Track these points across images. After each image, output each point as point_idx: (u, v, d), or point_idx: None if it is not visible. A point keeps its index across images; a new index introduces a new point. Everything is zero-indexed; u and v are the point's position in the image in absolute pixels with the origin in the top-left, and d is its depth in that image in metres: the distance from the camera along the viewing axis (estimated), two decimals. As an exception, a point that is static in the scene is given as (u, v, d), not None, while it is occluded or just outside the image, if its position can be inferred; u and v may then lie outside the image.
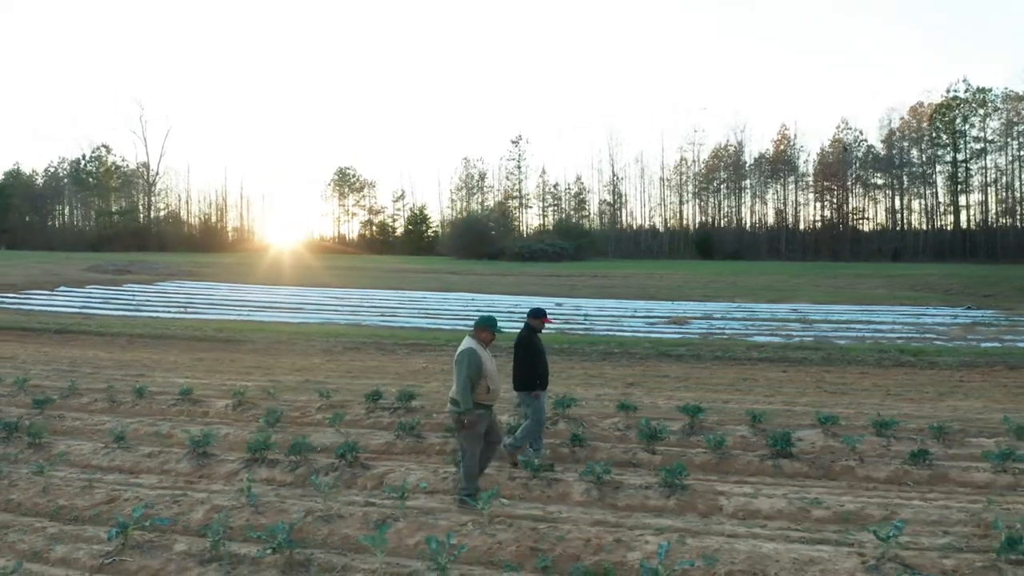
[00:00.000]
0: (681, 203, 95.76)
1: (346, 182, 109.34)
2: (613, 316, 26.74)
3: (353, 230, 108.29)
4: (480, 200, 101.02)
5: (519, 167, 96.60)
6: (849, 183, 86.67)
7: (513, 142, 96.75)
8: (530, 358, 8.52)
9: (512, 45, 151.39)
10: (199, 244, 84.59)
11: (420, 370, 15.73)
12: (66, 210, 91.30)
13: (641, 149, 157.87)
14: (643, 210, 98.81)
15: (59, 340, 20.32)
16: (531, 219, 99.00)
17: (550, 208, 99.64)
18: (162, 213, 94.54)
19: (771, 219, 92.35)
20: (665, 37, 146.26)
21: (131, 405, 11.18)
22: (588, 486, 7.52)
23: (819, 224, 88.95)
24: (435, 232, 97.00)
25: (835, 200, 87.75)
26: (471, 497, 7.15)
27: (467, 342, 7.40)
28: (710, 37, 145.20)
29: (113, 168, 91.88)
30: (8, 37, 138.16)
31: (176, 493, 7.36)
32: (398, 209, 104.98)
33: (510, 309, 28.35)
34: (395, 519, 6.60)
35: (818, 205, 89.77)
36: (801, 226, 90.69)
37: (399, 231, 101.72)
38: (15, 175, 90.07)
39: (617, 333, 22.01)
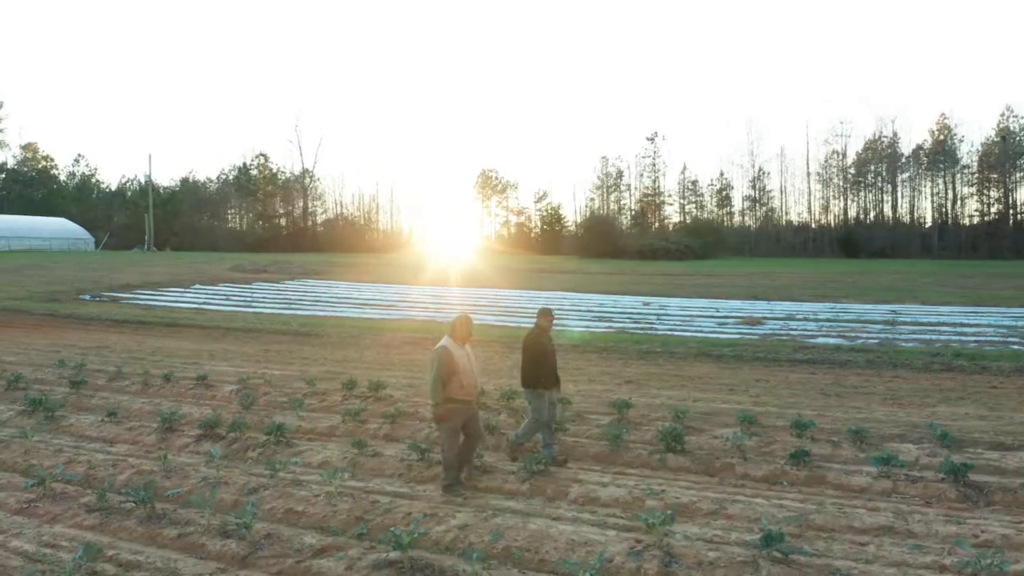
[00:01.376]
0: (828, 198, 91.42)
1: (489, 184, 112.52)
2: (690, 316, 26.54)
3: (497, 231, 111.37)
4: (617, 198, 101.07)
5: (654, 164, 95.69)
6: (1016, 175, 79.36)
7: (649, 139, 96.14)
8: (535, 357, 8.65)
9: (649, 40, 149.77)
10: (348, 245, 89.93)
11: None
12: (230, 214, 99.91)
13: (783, 143, 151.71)
14: (787, 206, 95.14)
15: (162, 332, 22.94)
16: (672, 216, 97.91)
17: (691, 205, 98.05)
18: (318, 217, 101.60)
19: (927, 215, 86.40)
20: (805, 25, 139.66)
21: (158, 388, 12.86)
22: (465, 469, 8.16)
23: (978, 220, 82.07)
24: (570, 231, 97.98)
25: (998, 194, 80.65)
26: (452, 487, 7.60)
27: (443, 340, 7.82)
28: (855, 24, 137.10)
29: (271, 175, 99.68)
30: (186, 58, 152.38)
31: (121, 459, 8.71)
32: (539, 209, 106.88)
33: (583, 307, 28.80)
34: (265, 488, 7.58)
35: (979, 200, 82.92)
36: (963, 222, 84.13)
37: (536, 231, 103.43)
38: (186, 183, 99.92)
39: (675, 333, 21.98)
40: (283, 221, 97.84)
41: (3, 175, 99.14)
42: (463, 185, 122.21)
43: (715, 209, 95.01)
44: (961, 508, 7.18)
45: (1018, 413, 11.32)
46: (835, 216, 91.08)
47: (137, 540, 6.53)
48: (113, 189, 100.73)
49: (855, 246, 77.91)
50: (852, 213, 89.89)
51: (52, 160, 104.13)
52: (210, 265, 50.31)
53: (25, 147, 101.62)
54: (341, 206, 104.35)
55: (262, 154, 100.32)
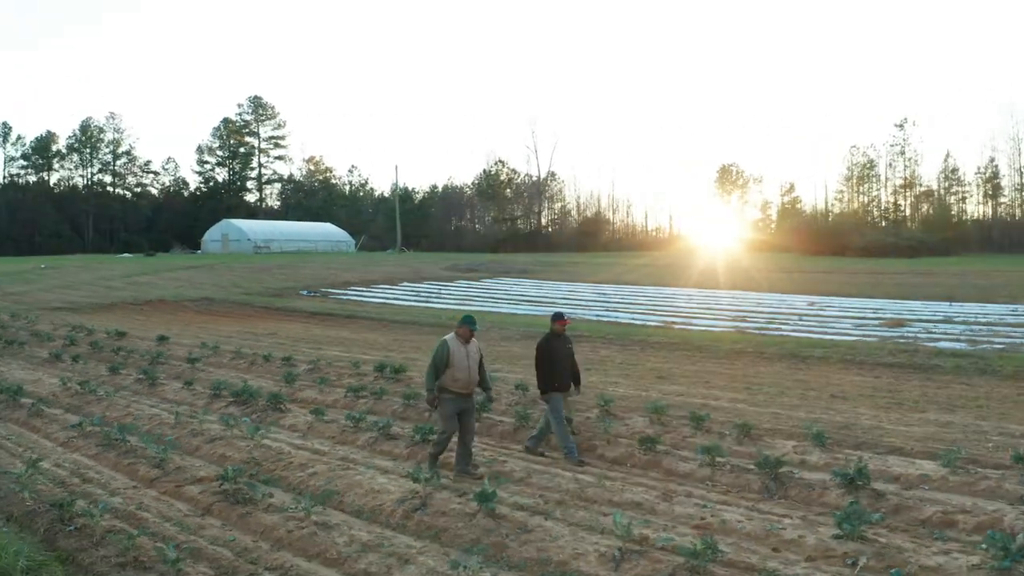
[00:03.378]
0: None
1: (729, 178, 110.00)
2: (837, 317, 25.46)
3: (736, 227, 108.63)
4: (867, 189, 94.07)
5: (902, 152, 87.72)
6: None
7: (897, 126, 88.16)
8: (546, 362, 9.04)
9: (892, 23, 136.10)
10: (582, 244, 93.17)
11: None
12: (477, 217, 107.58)
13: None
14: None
15: (336, 322, 26.88)
16: (923, 208, 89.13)
17: (952, 196, 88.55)
18: (554, 217, 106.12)
19: None
20: None
21: (250, 365, 16.07)
22: (373, 435, 9.95)
23: None
24: (810, 226, 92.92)
25: None
26: (435, 457, 8.50)
27: (448, 335, 8.57)
28: None
29: (509, 179, 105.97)
30: (431, 74, 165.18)
31: (157, 414, 11.57)
32: (785, 203, 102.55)
33: (732, 307, 28.59)
34: (221, 439, 9.96)
35: None
36: None
37: (775, 226, 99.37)
38: (434, 189, 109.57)
39: (790, 334, 21.55)
40: (520, 222, 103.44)
41: (291, 185, 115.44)
42: (702, 181, 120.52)
43: (983, 200, 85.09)
44: (750, 497, 7.67)
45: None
46: None
47: (106, 464, 9.19)
48: (376, 196, 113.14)
49: None
50: None
51: (332, 171, 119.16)
52: (429, 265, 55.50)
53: (308, 160, 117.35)
54: (577, 206, 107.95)
55: (500, 160, 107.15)
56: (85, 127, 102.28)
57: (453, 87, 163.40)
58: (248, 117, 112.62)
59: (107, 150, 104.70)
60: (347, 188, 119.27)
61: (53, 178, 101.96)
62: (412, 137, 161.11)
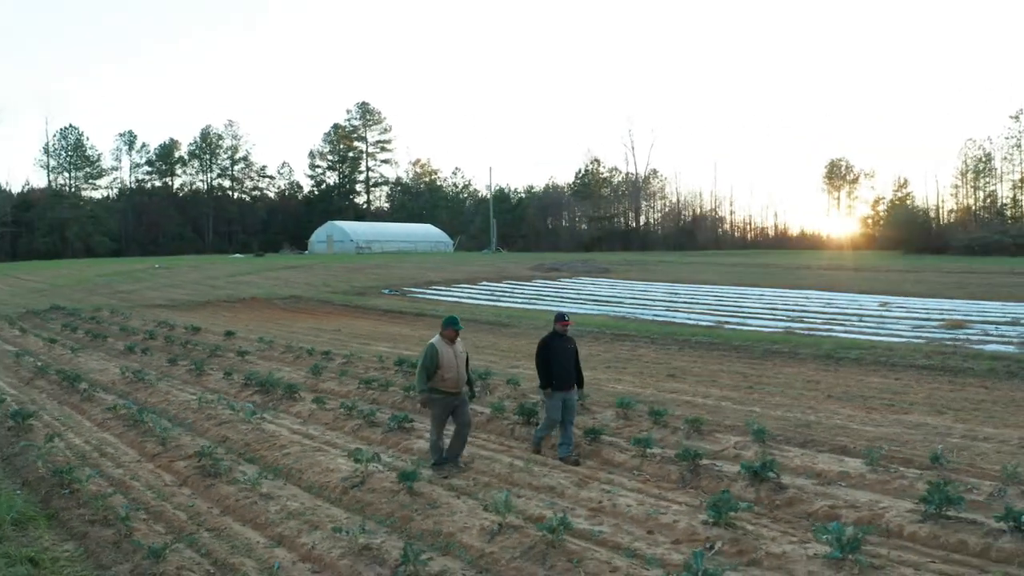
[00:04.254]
0: None
1: (838, 173, 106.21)
2: (898, 318, 24.71)
3: (843, 224, 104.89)
4: (983, 184, 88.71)
5: (1018, 145, 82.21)
6: None
7: (1012, 117, 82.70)
8: (545, 360, 9.30)
9: (1008, 11, 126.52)
10: (677, 243, 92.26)
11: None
12: (568, 216, 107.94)
13: None
14: None
15: (404, 320, 28.25)
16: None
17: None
18: (652, 215, 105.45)
19: None
20: None
21: (295, 359, 17.41)
22: (359, 422, 10.94)
23: None
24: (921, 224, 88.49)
25: None
26: (437, 464, 8.68)
27: (434, 338, 8.89)
28: None
29: (604, 178, 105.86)
30: (533, 74, 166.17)
31: (187, 399, 12.96)
32: (896, 199, 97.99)
33: (792, 306, 28.13)
34: (229, 423, 11.19)
35: None
36: None
37: (882, 223, 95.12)
38: (530, 190, 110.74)
39: (839, 335, 21.17)
40: (616, 221, 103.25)
41: (398, 188, 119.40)
42: (809, 176, 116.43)
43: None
44: (664, 486, 8.17)
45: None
46: None
47: (125, 441, 10.58)
48: (478, 197, 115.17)
49: None
50: None
51: (436, 173, 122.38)
52: (515, 264, 56.56)
53: (414, 163, 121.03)
54: (677, 204, 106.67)
55: (596, 159, 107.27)
56: (205, 134, 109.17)
57: (551, 87, 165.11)
58: (356, 123, 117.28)
59: (225, 156, 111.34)
60: (451, 190, 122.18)
61: (176, 183, 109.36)
62: (511, 138, 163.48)
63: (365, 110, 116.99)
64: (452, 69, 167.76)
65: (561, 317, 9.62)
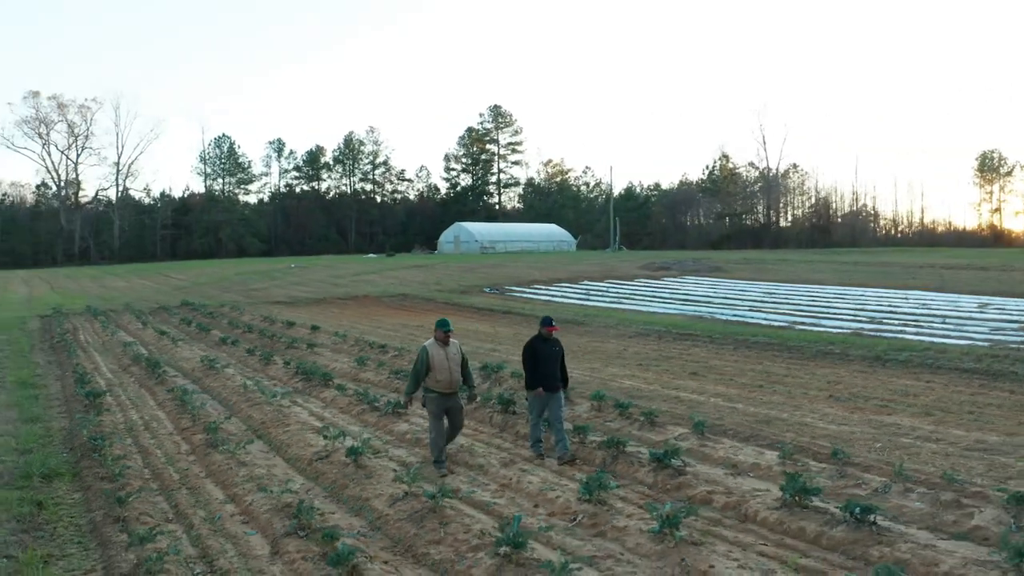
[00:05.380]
0: None
1: (990, 167, 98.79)
2: (986, 320, 23.51)
3: (996, 219, 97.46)
4: None
5: None
6: None
7: None
8: (531, 362, 9.55)
9: None
10: (811, 240, 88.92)
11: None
12: (696, 213, 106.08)
13: None
14: None
15: (490, 317, 29.59)
16: None
17: None
18: (786, 212, 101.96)
19: None
20: None
21: (350, 350, 19.11)
22: (364, 407, 12.32)
23: None
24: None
25: None
26: (437, 463, 9.07)
27: (428, 341, 9.30)
28: None
29: (732, 174, 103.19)
30: (661, 71, 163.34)
31: (241, 384, 14.82)
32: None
33: (876, 306, 27.21)
34: (258, 405, 12.88)
35: None
36: None
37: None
38: (657, 187, 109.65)
39: (906, 336, 20.58)
40: (747, 218, 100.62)
41: (531, 189, 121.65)
42: (959, 171, 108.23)
43: None
44: (585, 469, 9.00)
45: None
46: None
47: (169, 416, 12.49)
48: (606, 196, 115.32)
49: None
50: None
51: (567, 173, 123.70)
52: (626, 263, 56.81)
53: (546, 163, 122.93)
54: (816, 199, 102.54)
55: (724, 155, 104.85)
56: (348, 140, 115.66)
57: (678, 83, 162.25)
58: (489, 125, 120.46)
59: (367, 161, 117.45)
60: (583, 189, 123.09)
61: (322, 187, 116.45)
62: (639, 135, 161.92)
63: (497, 113, 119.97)
64: (581, 68, 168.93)
65: (548, 322, 9.81)
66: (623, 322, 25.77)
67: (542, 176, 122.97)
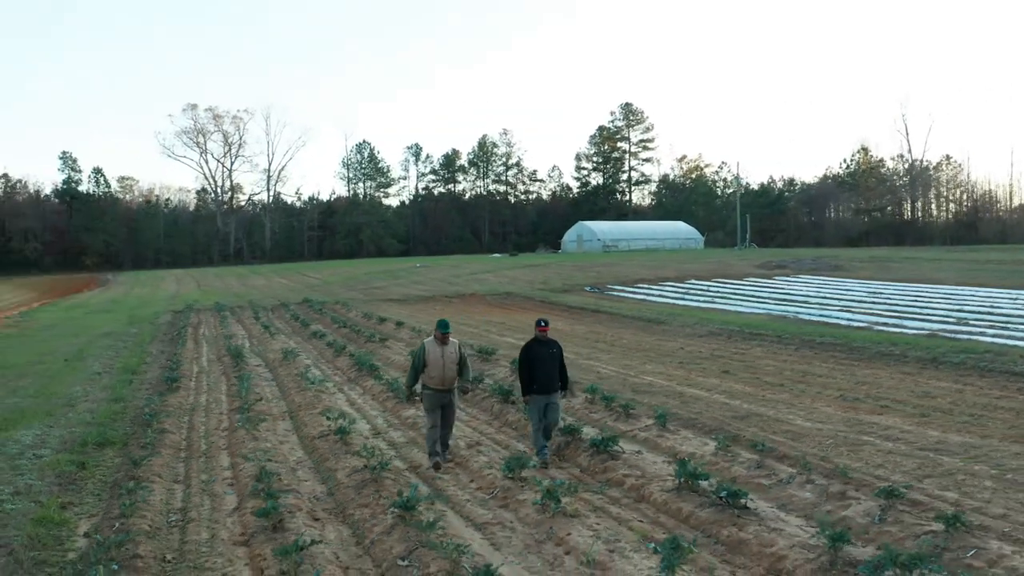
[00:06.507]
0: None
1: None
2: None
3: None
4: None
5: None
6: None
7: None
8: (525, 366, 9.58)
9: None
10: (956, 237, 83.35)
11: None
12: (833, 209, 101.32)
13: None
14: None
15: (578, 316, 30.46)
16: None
17: None
18: (935, 207, 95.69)
19: None
20: None
21: (409, 343, 20.64)
22: (384, 391, 13.74)
23: None
24: None
25: None
26: (430, 454, 9.50)
27: (427, 339, 9.69)
28: None
29: (872, 167, 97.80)
30: (798, 65, 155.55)
31: (302, 374, 16.63)
32: None
33: (962, 306, 25.83)
34: (302, 391, 14.61)
35: None
36: None
37: None
38: (791, 183, 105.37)
39: (980, 338, 19.80)
40: (888, 213, 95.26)
41: (663, 186, 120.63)
42: None
43: None
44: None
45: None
46: None
47: (227, 397, 14.42)
48: (744, 192, 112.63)
49: None
50: None
51: (702, 169, 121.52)
52: (743, 262, 55.77)
53: (680, 159, 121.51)
54: (967, 193, 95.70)
55: (863, 148, 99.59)
56: (482, 144, 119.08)
57: (815, 76, 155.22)
58: (620, 123, 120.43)
59: (500, 163, 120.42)
60: (720, 185, 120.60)
61: (457, 189, 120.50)
62: (773, 130, 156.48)
63: (628, 111, 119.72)
64: (714, 63, 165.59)
65: (540, 324, 9.87)
66: (702, 322, 25.95)
67: (676, 173, 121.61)
